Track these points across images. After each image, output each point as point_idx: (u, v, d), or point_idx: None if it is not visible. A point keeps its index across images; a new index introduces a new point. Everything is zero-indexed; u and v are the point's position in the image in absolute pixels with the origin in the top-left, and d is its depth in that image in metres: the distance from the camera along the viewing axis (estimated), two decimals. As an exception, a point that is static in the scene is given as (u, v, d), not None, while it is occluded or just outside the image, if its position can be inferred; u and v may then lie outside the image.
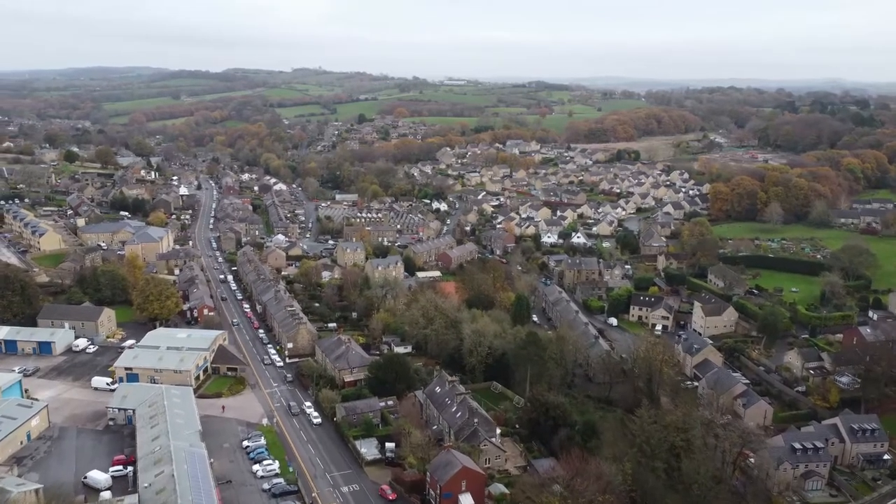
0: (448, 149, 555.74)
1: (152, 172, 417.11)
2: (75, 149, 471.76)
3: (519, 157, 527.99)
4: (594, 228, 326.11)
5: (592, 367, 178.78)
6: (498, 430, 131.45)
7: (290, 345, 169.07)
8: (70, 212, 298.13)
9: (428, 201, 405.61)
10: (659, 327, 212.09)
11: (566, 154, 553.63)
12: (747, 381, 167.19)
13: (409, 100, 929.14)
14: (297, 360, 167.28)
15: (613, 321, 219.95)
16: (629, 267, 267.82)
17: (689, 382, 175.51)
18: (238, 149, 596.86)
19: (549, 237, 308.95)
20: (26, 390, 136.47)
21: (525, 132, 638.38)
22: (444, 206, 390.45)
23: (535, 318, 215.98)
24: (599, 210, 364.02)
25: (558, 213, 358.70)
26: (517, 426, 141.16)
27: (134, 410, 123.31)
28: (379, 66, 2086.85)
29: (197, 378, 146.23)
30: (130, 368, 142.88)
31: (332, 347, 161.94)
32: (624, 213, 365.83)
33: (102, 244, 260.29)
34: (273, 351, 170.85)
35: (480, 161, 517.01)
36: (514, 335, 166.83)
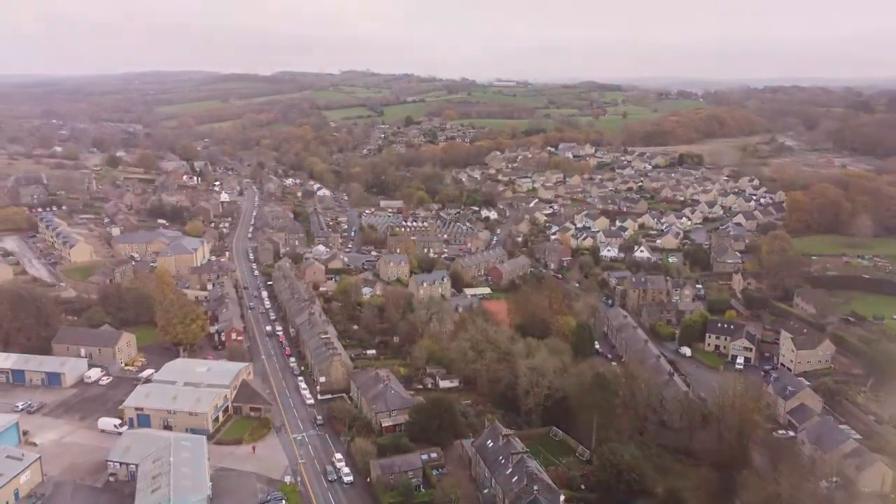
0: (498, 153, 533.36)
1: (195, 178, 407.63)
2: (121, 153, 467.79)
3: (573, 161, 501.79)
4: (658, 241, 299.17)
5: (667, 409, 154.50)
6: (562, 498, 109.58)
7: (322, 379, 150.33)
8: (107, 220, 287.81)
9: (476, 209, 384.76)
10: (740, 360, 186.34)
11: (623, 158, 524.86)
12: (858, 436, 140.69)
13: (458, 102, 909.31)
14: (329, 396, 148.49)
15: (686, 351, 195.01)
16: (700, 287, 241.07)
17: (782, 432, 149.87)
18: (283, 152, 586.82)
19: (608, 250, 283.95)
20: (25, 432, 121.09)
21: (578, 134, 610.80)
22: (493, 215, 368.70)
23: (596, 344, 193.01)
24: (662, 220, 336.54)
25: (617, 222, 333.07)
26: (583, 486, 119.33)
27: (137, 466, 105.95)
28: (427, 67, 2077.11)
29: (216, 420, 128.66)
30: (141, 409, 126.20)
31: (368, 384, 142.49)
32: (689, 223, 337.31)
33: (135, 255, 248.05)
34: (304, 385, 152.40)
35: (532, 166, 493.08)
36: (577, 375, 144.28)
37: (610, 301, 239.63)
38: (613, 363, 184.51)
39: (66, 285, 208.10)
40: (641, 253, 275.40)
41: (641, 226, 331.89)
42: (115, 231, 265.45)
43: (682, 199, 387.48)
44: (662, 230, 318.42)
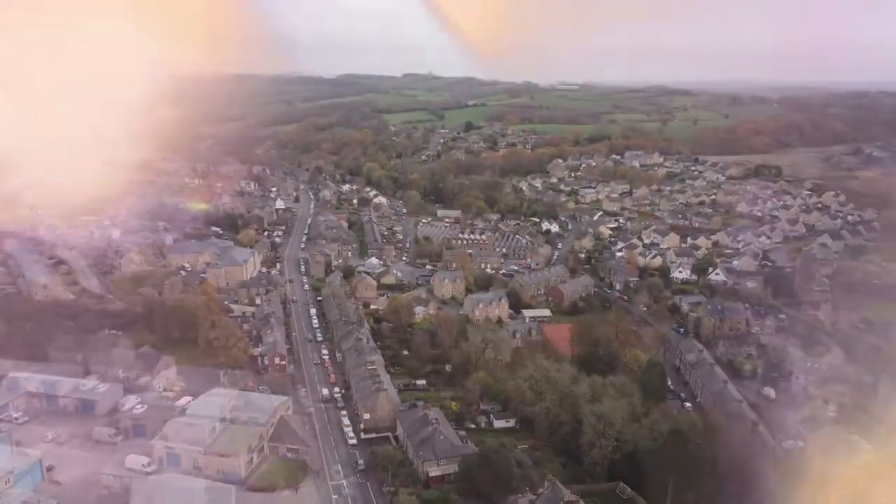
0: (560, 160, 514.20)
1: (252, 183, 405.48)
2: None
3: (640, 170, 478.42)
4: (734, 262, 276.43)
5: (752, 469, 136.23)
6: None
7: (366, 415, 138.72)
8: (162, 226, 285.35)
9: (537, 220, 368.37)
10: (832, 405, 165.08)
11: (694, 168, 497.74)
12: None
13: (520, 106, 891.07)
14: (374, 435, 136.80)
15: (770, 392, 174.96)
16: (784, 317, 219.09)
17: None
18: (342, 157, 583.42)
19: (679, 271, 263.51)
20: (50, 468, 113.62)
21: (646, 142, 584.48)
22: (554, 228, 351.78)
23: (668, 380, 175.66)
24: (739, 238, 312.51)
25: (689, 240, 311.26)
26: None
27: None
28: (489, 70, 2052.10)
29: (249, 461, 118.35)
30: (172, 448, 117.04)
31: (416, 426, 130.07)
32: (769, 242, 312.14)
33: (187, 266, 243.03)
34: (346, 421, 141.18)
35: (596, 175, 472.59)
36: (650, 427, 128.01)
37: (681, 329, 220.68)
38: (688, 406, 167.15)
39: (114, 297, 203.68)
40: (717, 276, 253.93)
41: (715, 244, 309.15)
42: (169, 239, 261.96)
43: (759, 214, 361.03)
44: (739, 250, 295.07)
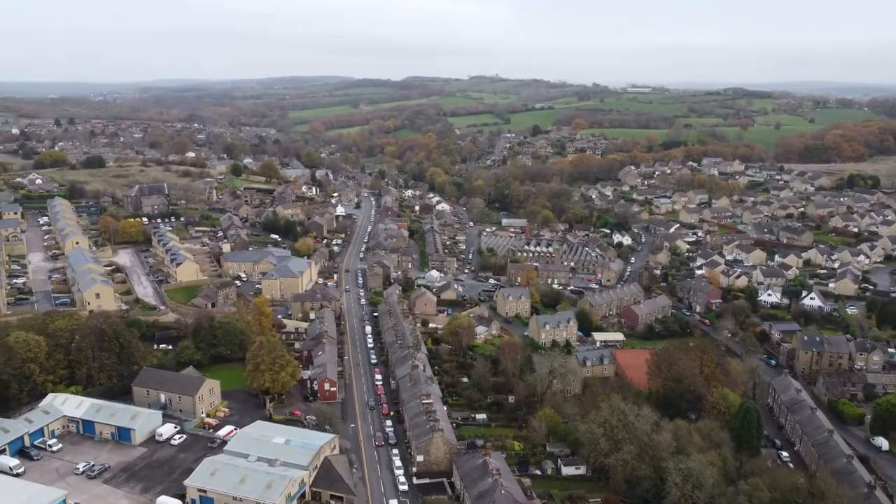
0: (632, 167, 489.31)
1: (314, 188, 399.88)
2: (249, 160, 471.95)
3: (719, 179, 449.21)
4: (830, 284, 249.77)
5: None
6: None
7: (419, 457, 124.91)
8: (220, 234, 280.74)
9: (608, 231, 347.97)
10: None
11: (779, 177, 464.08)
12: None
13: (589, 109, 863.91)
14: (427, 480, 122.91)
15: (882, 443, 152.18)
16: (894, 351, 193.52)
17: None
18: (406, 161, 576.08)
19: (769, 295, 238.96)
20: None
21: (724, 148, 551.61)
22: (627, 240, 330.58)
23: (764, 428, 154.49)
24: (833, 257, 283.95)
25: (777, 257, 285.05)
26: None
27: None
28: (557, 72, 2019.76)
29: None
30: (205, 491, 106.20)
31: (474, 475, 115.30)
32: (868, 262, 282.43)
33: (242, 275, 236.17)
34: (398, 462, 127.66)
35: (671, 183, 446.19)
36: (749, 494, 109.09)
37: (773, 361, 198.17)
38: (785, 456, 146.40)
39: (167, 308, 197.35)
40: (812, 300, 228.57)
41: (807, 263, 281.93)
42: (226, 247, 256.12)
43: (855, 230, 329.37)
44: (835, 270, 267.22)
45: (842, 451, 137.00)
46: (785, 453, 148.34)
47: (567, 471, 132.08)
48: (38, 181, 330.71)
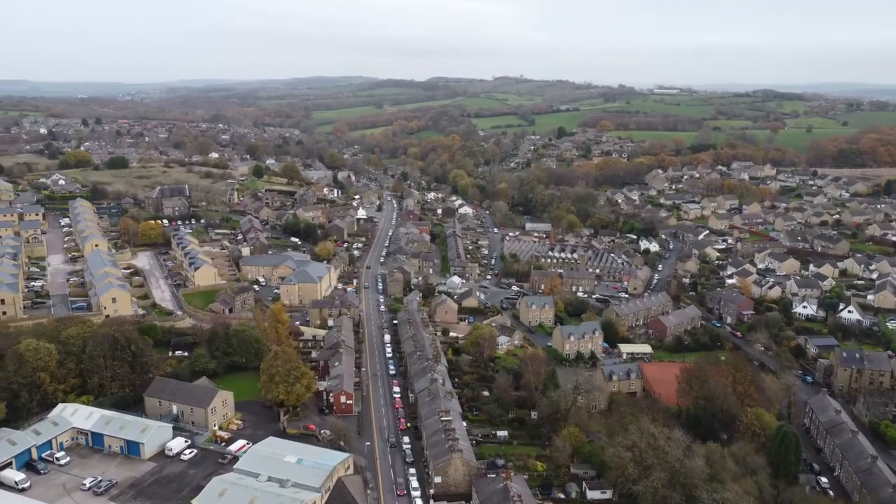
0: (660, 171, 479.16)
1: (335, 190, 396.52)
2: (271, 161, 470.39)
3: (749, 184, 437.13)
4: (869, 297, 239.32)
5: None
6: None
7: (437, 479, 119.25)
8: (240, 236, 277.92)
9: (634, 237, 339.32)
10: None
11: (812, 182, 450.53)
12: None
13: (615, 111, 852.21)
14: (445, 503, 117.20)
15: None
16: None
17: None
18: (429, 162, 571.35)
19: (804, 307, 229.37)
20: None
21: (755, 151, 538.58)
22: (654, 246, 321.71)
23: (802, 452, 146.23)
24: (872, 267, 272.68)
25: (811, 266, 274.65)
26: None
27: None
28: (582, 73, 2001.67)
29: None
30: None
31: (494, 501, 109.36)
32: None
33: (261, 280, 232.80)
34: (415, 482, 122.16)
35: (700, 188, 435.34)
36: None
37: (809, 378, 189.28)
38: (824, 482, 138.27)
39: (184, 314, 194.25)
40: (850, 313, 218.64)
41: (844, 273, 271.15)
42: (245, 251, 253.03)
43: (894, 239, 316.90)
44: (873, 281, 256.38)
45: (887, 479, 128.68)
46: (824, 479, 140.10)
47: (592, 495, 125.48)
48: (62, 182, 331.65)
